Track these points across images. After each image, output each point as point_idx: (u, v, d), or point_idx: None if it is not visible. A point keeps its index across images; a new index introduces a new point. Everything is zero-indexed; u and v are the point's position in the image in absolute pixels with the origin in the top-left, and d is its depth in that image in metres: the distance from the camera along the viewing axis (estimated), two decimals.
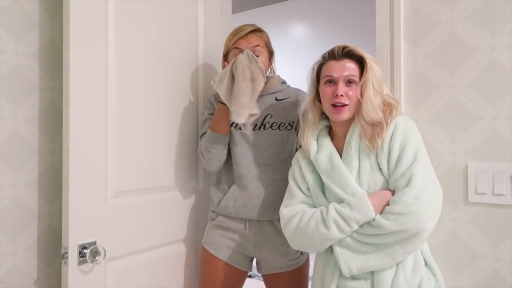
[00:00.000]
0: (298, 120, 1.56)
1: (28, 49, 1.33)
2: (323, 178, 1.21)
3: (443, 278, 1.34)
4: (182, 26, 1.65)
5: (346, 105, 1.18)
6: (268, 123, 1.54)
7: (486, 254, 1.30)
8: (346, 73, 1.18)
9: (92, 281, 1.30)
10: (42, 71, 1.36)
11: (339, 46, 1.22)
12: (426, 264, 1.19)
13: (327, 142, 1.25)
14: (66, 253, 1.23)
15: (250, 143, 1.53)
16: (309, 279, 1.64)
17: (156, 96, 1.54)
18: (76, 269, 1.25)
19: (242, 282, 1.62)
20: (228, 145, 1.56)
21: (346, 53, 1.20)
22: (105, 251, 1.30)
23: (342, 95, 1.17)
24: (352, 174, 1.17)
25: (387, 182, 1.15)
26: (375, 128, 1.15)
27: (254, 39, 1.53)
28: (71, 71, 1.25)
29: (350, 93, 1.18)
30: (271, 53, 1.60)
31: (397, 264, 1.13)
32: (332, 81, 1.20)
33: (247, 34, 1.53)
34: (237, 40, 1.53)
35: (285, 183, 1.54)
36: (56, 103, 1.39)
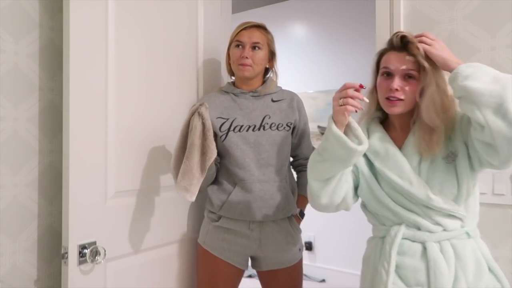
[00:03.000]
0: (295, 121, 1.57)
1: (28, 49, 1.33)
2: (376, 163, 1.15)
3: None
4: (182, 27, 1.65)
5: (401, 99, 1.11)
6: (267, 124, 1.55)
7: None
8: (404, 67, 1.10)
9: (92, 281, 1.30)
10: (42, 71, 1.36)
11: (397, 35, 1.13)
12: (489, 269, 1.10)
13: (379, 130, 1.19)
14: (66, 253, 1.23)
15: (251, 145, 1.53)
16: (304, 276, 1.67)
17: (156, 95, 1.54)
18: (76, 269, 1.25)
19: (240, 280, 1.63)
20: (225, 146, 1.55)
21: (406, 44, 1.11)
22: (105, 251, 1.30)
23: (397, 90, 1.10)
24: (412, 164, 1.12)
25: (455, 170, 1.09)
26: (433, 134, 1.08)
27: (256, 34, 1.55)
28: (71, 70, 1.25)
29: (407, 88, 1.11)
30: (272, 54, 1.62)
31: (456, 269, 1.06)
32: (389, 74, 1.13)
33: (251, 27, 1.56)
34: (240, 31, 1.55)
35: (284, 183, 1.55)
36: (56, 103, 1.39)
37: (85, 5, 1.29)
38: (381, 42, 1.47)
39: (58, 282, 1.37)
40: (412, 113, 1.14)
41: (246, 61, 1.52)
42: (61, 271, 1.25)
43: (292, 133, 1.59)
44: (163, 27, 1.56)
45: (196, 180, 1.40)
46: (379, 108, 1.20)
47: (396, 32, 1.14)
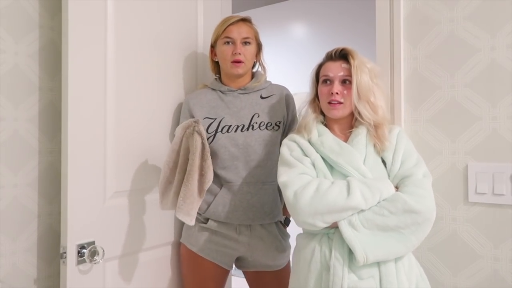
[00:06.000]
0: (284, 118, 1.53)
1: (28, 49, 1.33)
2: (332, 157, 1.20)
3: (443, 278, 1.34)
4: (181, 27, 1.65)
5: (341, 103, 1.23)
6: (256, 123, 1.50)
7: (486, 254, 1.30)
8: (341, 74, 1.24)
9: (90, 281, 1.30)
10: (42, 71, 1.36)
11: (337, 48, 1.27)
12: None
13: (327, 131, 1.27)
14: (65, 252, 1.23)
15: (240, 146, 1.48)
16: None
17: (155, 96, 1.54)
18: (75, 269, 1.25)
19: (226, 280, 1.61)
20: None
21: (343, 55, 1.25)
22: (103, 251, 1.30)
23: (337, 93, 1.22)
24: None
25: (388, 174, 1.20)
26: (377, 130, 1.22)
27: (245, 29, 1.50)
28: (70, 70, 1.25)
29: (345, 91, 1.23)
30: (259, 46, 1.57)
31: (396, 262, 1.14)
32: (328, 81, 1.25)
33: (238, 21, 1.51)
34: (227, 27, 1.49)
35: (274, 186, 1.51)
36: (56, 103, 1.39)
37: (83, 4, 1.29)
38: (381, 42, 1.48)
39: (58, 282, 1.37)
40: (351, 117, 1.26)
41: (239, 58, 1.47)
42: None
43: (283, 132, 1.55)
44: (162, 28, 1.56)
45: (196, 203, 1.36)
46: (322, 114, 1.31)
47: (337, 47, 1.27)
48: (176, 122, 1.60)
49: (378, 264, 1.12)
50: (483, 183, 1.30)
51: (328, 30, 3.73)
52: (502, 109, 1.28)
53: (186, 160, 1.38)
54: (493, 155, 1.29)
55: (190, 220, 1.35)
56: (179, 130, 1.39)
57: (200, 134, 1.36)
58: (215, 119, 1.50)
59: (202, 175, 1.37)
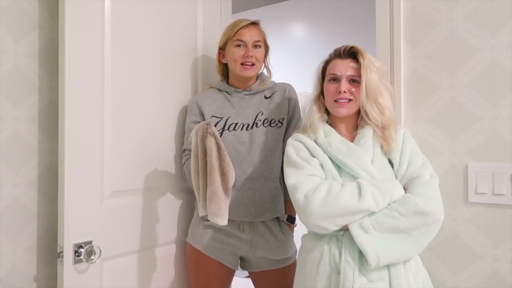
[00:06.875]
0: (288, 116, 1.56)
1: (28, 49, 1.33)
2: (341, 158, 1.19)
3: (443, 278, 1.34)
4: (180, 27, 1.65)
5: (350, 100, 1.22)
6: (260, 120, 1.53)
7: (486, 254, 1.30)
8: (349, 73, 1.22)
9: (87, 280, 1.30)
10: (42, 71, 1.36)
11: (346, 46, 1.25)
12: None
13: (333, 131, 1.26)
14: (62, 252, 1.23)
15: (246, 144, 1.51)
16: None
17: (152, 96, 1.54)
18: (72, 268, 1.25)
19: (231, 280, 1.61)
20: None
21: (351, 53, 1.23)
22: (100, 250, 1.30)
23: (345, 92, 1.21)
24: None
25: (395, 175, 1.20)
26: (384, 131, 1.21)
27: (256, 32, 1.54)
28: (67, 70, 1.25)
29: (353, 89, 1.22)
30: (267, 49, 1.60)
31: (404, 264, 1.12)
32: (335, 79, 1.24)
33: (248, 25, 1.53)
34: (239, 30, 1.52)
35: (276, 182, 1.53)
36: (56, 103, 1.39)
37: (81, 7, 1.29)
38: (381, 42, 1.48)
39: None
40: (356, 116, 1.26)
41: (251, 60, 1.51)
42: None
43: (286, 129, 1.57)
44: (160, 28, 1.56)
45: (223, 203, 1.35)
46: (326, 112, 1.30)
47: (345, 45, 1.25)
48: (181, 121, 1.62)
49: (387, 266, 1.11)
50: (483, 183, 1.30)
51: (328, 30, 3.73)
52: (502, 109, 1.28)
53: (206, 163, 1.37)
54: (493, 155, 1.29)
55: (221, 220, 1.33)
56: (193, 135, 1.38)
57: (213, 135, 1.35)
58: (222, 117, 1.54)
59: (224, 174, 1.36)
